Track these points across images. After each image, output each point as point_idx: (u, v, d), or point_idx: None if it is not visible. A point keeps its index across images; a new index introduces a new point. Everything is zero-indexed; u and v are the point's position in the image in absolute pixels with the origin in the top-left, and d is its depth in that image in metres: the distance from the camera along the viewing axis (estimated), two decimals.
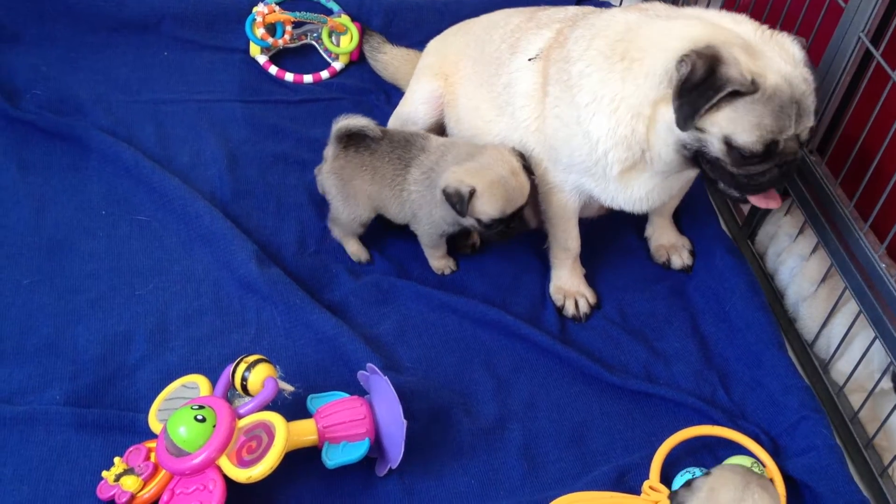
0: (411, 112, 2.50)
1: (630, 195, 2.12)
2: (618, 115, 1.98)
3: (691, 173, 2.12)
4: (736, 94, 1.81)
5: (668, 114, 1.90)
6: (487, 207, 2.11)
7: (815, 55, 2.26)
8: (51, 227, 2.40)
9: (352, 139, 2.27)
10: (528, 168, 2.19)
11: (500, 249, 2.48)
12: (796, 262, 2.36)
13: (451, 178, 2.12)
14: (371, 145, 2.27)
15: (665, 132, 1.94)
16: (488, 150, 2.17)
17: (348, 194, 2.31)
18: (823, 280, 2.27)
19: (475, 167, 2.13)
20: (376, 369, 1.90)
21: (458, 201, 2.10)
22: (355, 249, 2.40)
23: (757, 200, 1.98)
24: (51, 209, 2.45)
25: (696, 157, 1.95)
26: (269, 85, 2.92)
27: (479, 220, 2.14)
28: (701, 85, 1.80)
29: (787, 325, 2.34)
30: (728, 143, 1.86)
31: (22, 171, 2.52)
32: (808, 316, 2.29)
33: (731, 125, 1.84)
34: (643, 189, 2.10)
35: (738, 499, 1.55)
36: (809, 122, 1.87)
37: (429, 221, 2.26)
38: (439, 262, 2.41)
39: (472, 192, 2.09)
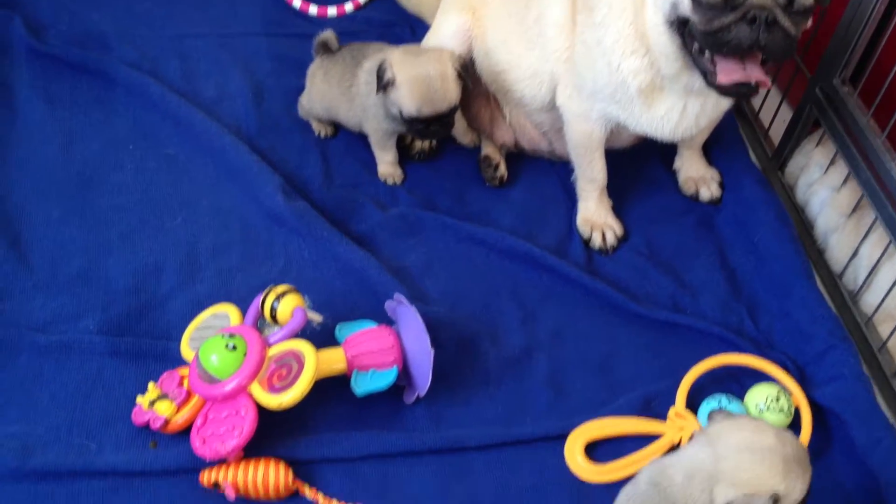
0: (437, 46, 2.48)
1: (654, 116, 2.09)
2: (625, 19, 1.99)
3: (719, 100, 2.09)
4: None
5: None
6: (405, 101, 2.19)
7: None
8: (79, 161, 2.42)
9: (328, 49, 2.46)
10: (463, 77, 2.23)
11: (526, 182, 2.48)
12: (827, 194, 2.34)
13: (385, 58, 2.21)
14: (335, 54, 2.44)
15: (652, 11, 1.95)
16: (429, 50, 2.27)
17: (310, 86, 2.49)
18: (854, 211, 2.25)
19: (408, 59, 2.22)
20: (404, 299, 1.92)
21: (380, 78, 2.21)
22: (317, 126, 2.55)
23: (728, 70, 1.90)
24: (78, 143, 2.47)
25: (683, 40, 1.93)
26: (293, 18, 2.90)
27: (400, 112, 2.22)
28: None
29: (817, 256, 2.32)
30: None
31: (49, 106, 2.53)
32: (837, 247, 2.27)
33: None
34: (665, 108, 2.08)
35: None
36: None
37: (375, 115, 2.32)
38: (386, 168, 2.44)
39: (392, 81, 2.18)
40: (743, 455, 1.44)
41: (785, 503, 1.43)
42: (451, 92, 2.22)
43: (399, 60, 2.22)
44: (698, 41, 1.90)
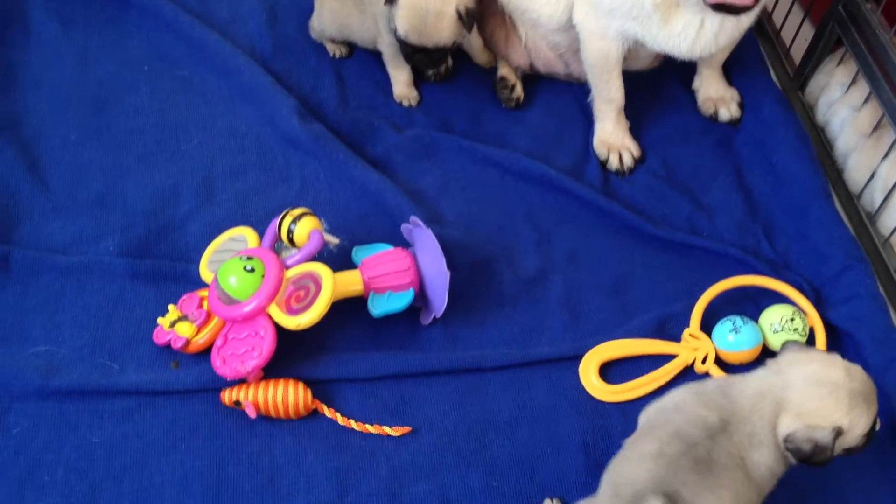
0: None
1: (671, 33, 2.06)
2: None
3: (741, 20, 2.05)
4: None
5: None
6: (399, 22, 2.19)
7: None
8: (94, 83, 2.42)
9: None
10: (464, 21, 2.18)
11: (542, 103, 2.46)
12: (847, 113, 2.31)
13: None
14: None
15: None
16: None
17: (319, 7, 2.46)
18: (874, 131, 2.22)
19: None
20: (420, 222, 1.92)
21: None
22: (331, 47, 2.52)
23: None
24: (93, 64, 2.46)
25: None
26: None
27: (394, 30, 2.22)
28: None
29: (836, 177, 2.30)
30: None
31: (63, 27, 2.52)
32: (856, 167, 2.25)
33: None
34: (682, 23, 2.04)
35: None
36: None
37: (384, 28, 2.29)
38: (402, 89, 2.43)
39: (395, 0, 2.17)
40: (811, 387, 1.47)
41: (848, 437, 1.46)
42: (443, 31, 2.18)
43: None
44: None
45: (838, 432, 1.44)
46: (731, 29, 2.08)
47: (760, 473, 1.47)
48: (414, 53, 2.23)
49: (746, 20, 2.08)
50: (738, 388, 1.52)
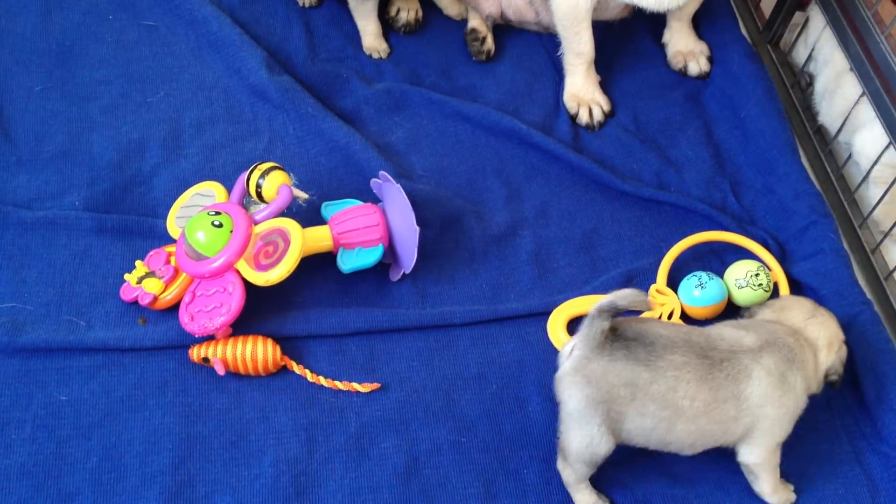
0: None
1: None
2: None
3: None
4: None
5: None
6: None
7: None
8: (58, 33, 2.37)
9: None
10: None
11: (513, 56, 2.44)
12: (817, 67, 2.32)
13: None
14: None
15: None
16: None
17: None
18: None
19: None
20: (389, 177, 1.92)
21: None
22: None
23: None
24: (57, 14, 2.41)
25: None
26: None
27: None
28: None
29: (804, 132, 2.31)
30: None
31: None
32: (828, 113, 2.26)
33: None
34: None
35: (810, 315, 1.66)
36: None
37: None
38: (371, 40, 2.41)
39: None
40: (812, 322, 1.65)
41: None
42: None
43: None
44: None
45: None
46: None
47: (758, 402, 1.55)
48: None
49: None
50: (776, 322, 1.65)
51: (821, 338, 1.63)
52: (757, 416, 1.56)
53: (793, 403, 1.58)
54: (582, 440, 1.55)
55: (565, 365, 1.54)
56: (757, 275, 1.92)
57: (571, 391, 1.52)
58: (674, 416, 1.53)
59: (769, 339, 1.58)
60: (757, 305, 1.73)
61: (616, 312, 1.48)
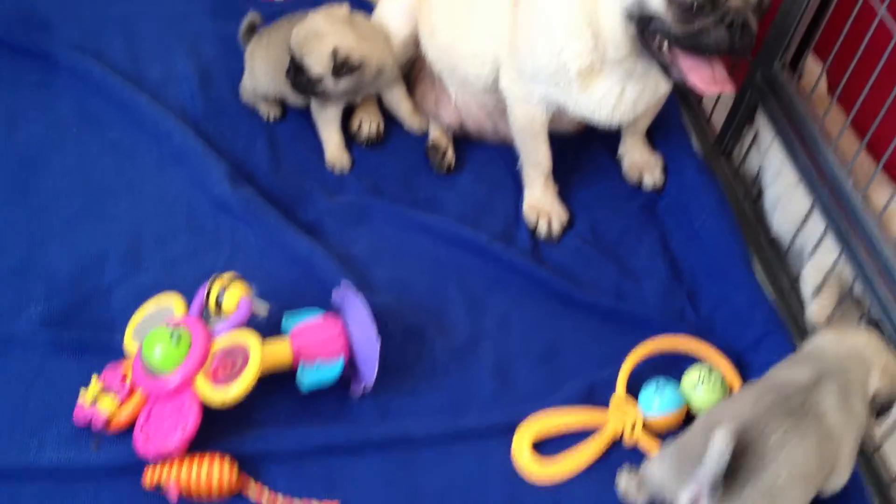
0: (382, 26, 2.47)
1: (591, 99, 2.11)
2: (570, 3, 2.00)
3: (657, 85, 2.11)
4: None
5: None
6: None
7: None
8: (22, 145, 2.38)
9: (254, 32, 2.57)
10: (336, 62, 2.26)
11: (473, 168, 2.49)
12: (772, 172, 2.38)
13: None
14: (275, 25, 2.50)
15: (611, 2, 1.95)
16: (339, 22, 2.34)
17: (250, 64, 2.51)
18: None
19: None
20: (350, 288, 1.92)
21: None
22: (265, 108, 2.54)
23: (703, 83, 1.94)
24: (21, 126, 2.43)
25: (643, 32, 1.94)
26: (240, 0, 2.86)
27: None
28: None
29: (760, 242, 2.36)
30: None
31: None
32: (781, 223, 2.32)
33: None
34: (602, 91, 2.10)
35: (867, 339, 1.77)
36: None
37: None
38: (333, 153, 2.44)
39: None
40: (885, 353, 1.74)
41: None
42: (312, 54, 2.27)
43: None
44: (668, 40, 1.91)
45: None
46: (649, 96, 2.15)
47: (840, 430, 1.63)
48: (290, 68, 2.31)
49: (663, 88, 2.15)
50: (828, 348, 1.74)
51: (875, 360, 1.70)
52: (841, 448, 1.63)
53: (859, 422, 1.66)
54: None
55: None
56: (711, 371, 1.94)
57: None
58: (804, 483, 1.59)
59: (822, 370, 1.66)
60: (823, 328, 1.83)
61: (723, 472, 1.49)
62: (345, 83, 2.31)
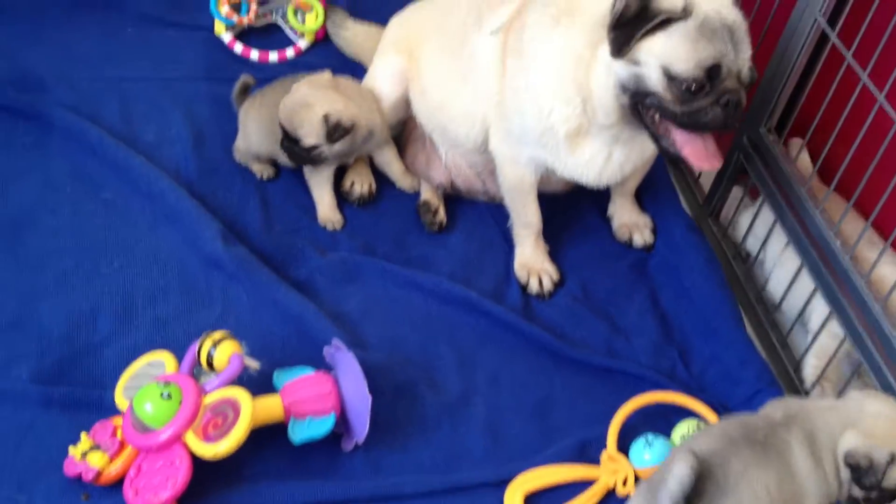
0: (374, 88, 2.51)
1: (579, 162, 2.15)
2: (560, 68, 2.03)
3: (644, 148, 2.15)
4: (669, 22, 1.87)
5: (606, 54, 1.94)
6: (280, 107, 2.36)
7: (773, 35, 2.31)
8: (14, 205, 2.39)
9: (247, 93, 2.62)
10: (329, 127, 2.30)
11: (465, 227, 2.51)
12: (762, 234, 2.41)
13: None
14: (269, 87, 2.54)
15: (604, 74, 1.97)
16: (331, 89, 2.39)
17: (244, 125, 2.54)
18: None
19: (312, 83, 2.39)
20: (341, 345, 1.93)
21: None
22: (258, 168, 2.57)
23: (696, 159, 1.99)
24: (14, 186, 2.44)
25: (636, 104, 1.98)
26: (234, 63, 2.91)
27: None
28: (635, 17, 1.87)
29: (748, 301, 2.38)
30: (668, 75, 1.89)
31: None
32: (773, 287, 2.34)
33: (667, 53, 1.88)
34: (590, 153, 2.13)
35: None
36: (746, 51, 1.92)
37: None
38: (326, 212, 2.47)
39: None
40: (883, 417, 1.64)
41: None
42: (303, 125, 2.31)
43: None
44: (665, 116, 1.96)
45: (892, 458, 1.58)
46: (636, 157, 2.19)
47: (804, 474, 1.61)
48: (284, 140, 2.33)
49: (650, 150, 2.18)
50: (812, 400, 1.73)
51: (866, 423, 1.64)
52: (805, 493, 1.60)
53: (827, 475, 1.62)
54: None
55: None
56: (699, 424, 1.94)
57: None
58: None
59: (794, 413, 1.66)
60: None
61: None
62: (339, 146, 2.35)
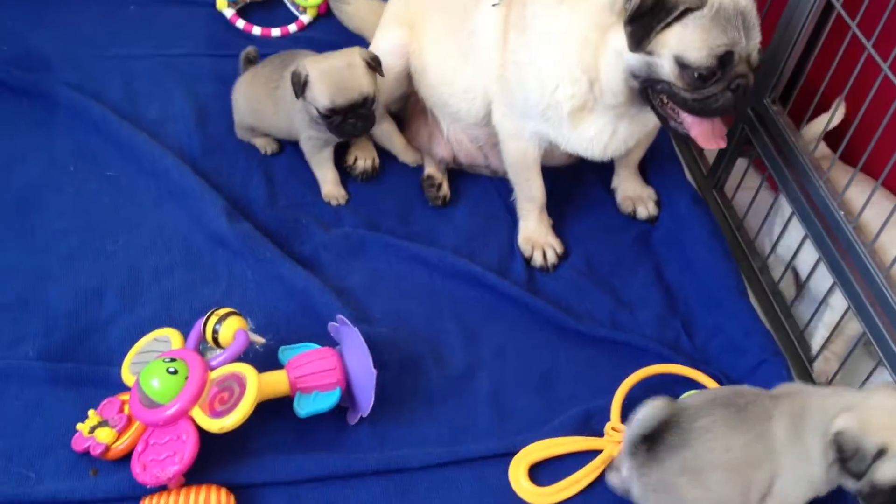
0: None
1: (583, 137, 2.14)
2: (566, 47, 2.02)
3: (648, 121, 2.14)
4: (685, 13, 1.85)
5: (617, 41, 1.93)
6: (318, 95, 2.26)
7: (778, 6, 2.29)
8: (19, 184, 2.40)
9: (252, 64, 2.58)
10: (374, 67, 2.29)
11: (468, 201, 2.51)
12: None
13: (299, 64, 2.29)
14: (265, 60, 2.53)
15: (614, 59, 1.96)
16: (341, 50, 2.32)
17: (234, 99, 2.55)
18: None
19: (318, 58, 2.31)
20: (346, 320, 1.93)
21: (296, 82, 2.26)
22: (261, 143, 2.57)
23: (704, 139, 2.00)
24: (19, 166, 2.45)
25: (644, 88, 1.97)
26: (236, 39, 2.90)
27: (318, 112, 2.28)
28: (653, 9, 1.85)
29: (752, 273, 2.38)
30: (680, 64, 1.88)
31: None
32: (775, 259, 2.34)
33: (682, 43, 1.87)
34: (595, 129, 2.13)
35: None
36: (757, 36, 1.91)
37: (301, 123, 2.36)
38: (329, 188, 2.47)
39: (306, 79, 2.25)
40: (884, 409, 1.61)
41: (884, 467, 1.56)
42: (361, 79, 2.26)
43: (310, 61, 2.29)
44: (676, 102, 1.95)
45: (881, 452, 1.55)
46: (639, 132, 2.18)
47: (778, 446, 1.64)
48: (346, 120, 2.28)
49: (653, 122, 2.17)
50: (820, 387, 1.77)
51: (864, 409, 1.61)
52: (778, 465, 1.62)
53: (807, 455, 1.63)
54: None
55: (633, 491, 1.70)
56: None
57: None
58: (725, 475, 1.63)
59: (788, 391, 1.71)
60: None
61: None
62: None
